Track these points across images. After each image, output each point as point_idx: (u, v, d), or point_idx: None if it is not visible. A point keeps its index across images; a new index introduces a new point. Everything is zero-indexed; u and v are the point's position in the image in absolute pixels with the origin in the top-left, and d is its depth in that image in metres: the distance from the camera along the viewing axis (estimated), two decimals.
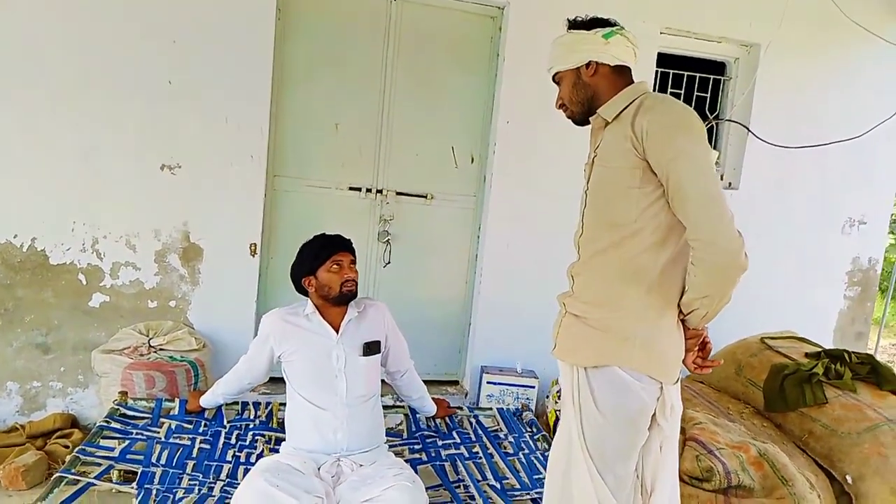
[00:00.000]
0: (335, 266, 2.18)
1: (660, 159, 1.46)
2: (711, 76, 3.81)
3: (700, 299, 1.50)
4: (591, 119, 1.68)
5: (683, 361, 1.63)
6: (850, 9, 3.55)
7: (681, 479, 2.32)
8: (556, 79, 1.72)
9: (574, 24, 1.67)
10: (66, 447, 2.74)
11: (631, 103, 1.56)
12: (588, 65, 1.62)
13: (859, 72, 3.89)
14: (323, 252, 2.19)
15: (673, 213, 1.50)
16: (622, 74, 1.64)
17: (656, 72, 3.63)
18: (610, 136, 1.58)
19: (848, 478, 2.51)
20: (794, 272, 3.98)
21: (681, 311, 1.57)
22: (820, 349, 3.13)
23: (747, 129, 3.40)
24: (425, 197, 3.47)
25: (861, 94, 3.89)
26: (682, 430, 2.55)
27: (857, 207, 4.07)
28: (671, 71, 3.70)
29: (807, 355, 3.02)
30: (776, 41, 3.60)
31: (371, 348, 2.24)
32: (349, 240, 2.27)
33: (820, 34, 3.75)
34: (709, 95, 3.82)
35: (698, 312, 1.53)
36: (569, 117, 1.73)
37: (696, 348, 1.63)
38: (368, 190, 3.39)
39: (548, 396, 3.36)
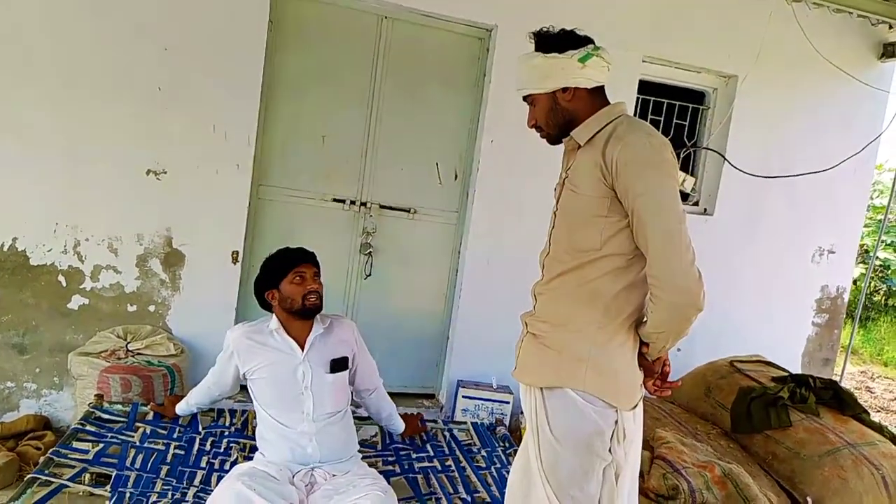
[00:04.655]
0: (297, 278, 2.15)
1: (626, 194, 1.47)
2: (690, 105, 3.92)
3: (657, 333, 1.53)
4: (563, 140, 1.66)
5: (644, 385, 1.65)
6: (824, 47, 3.71)
7: (647, 497, 2.39)
8: (529, 99, 1.66)
9: (543, 43, 1.59)
10: (39, 449, 2.72)
11: (604, 127, 1.55)
12: (565, 90, 1.58)
13: (830, 107, 4.03)
14: (285, 264, 2.17)
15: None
16: (598, 93, 1.61)
17: (637, 98, 3.73)
18: (581, 161, 1.57)
19: (809, 499, 2.59)
20: (765, 297, 4.09)
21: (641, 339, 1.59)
22: (786, 374, 3.23)
23: (723, 157, 3.51)
24: (408, 211, 3.52)
25: (831, 129, 4.03)
26: (651, 449, 2.62)
27: (827, 237, 4.20)
28: (652, 98, 3.81)
29: (773, 379, 3.12)
30: (753, 74, 3.74)
31: (338, 365, 2.23)
32: (312, 252, 2.26)
33: (795, 69, 3.88)
34: (688, 123, 3.93)
35: (655, 345, 1.56)
36: (543, 137, 1.70)
37: (656, 373, 1.65)
38: (352, 202, 3.43)
39: (521, 412, 3.40)
